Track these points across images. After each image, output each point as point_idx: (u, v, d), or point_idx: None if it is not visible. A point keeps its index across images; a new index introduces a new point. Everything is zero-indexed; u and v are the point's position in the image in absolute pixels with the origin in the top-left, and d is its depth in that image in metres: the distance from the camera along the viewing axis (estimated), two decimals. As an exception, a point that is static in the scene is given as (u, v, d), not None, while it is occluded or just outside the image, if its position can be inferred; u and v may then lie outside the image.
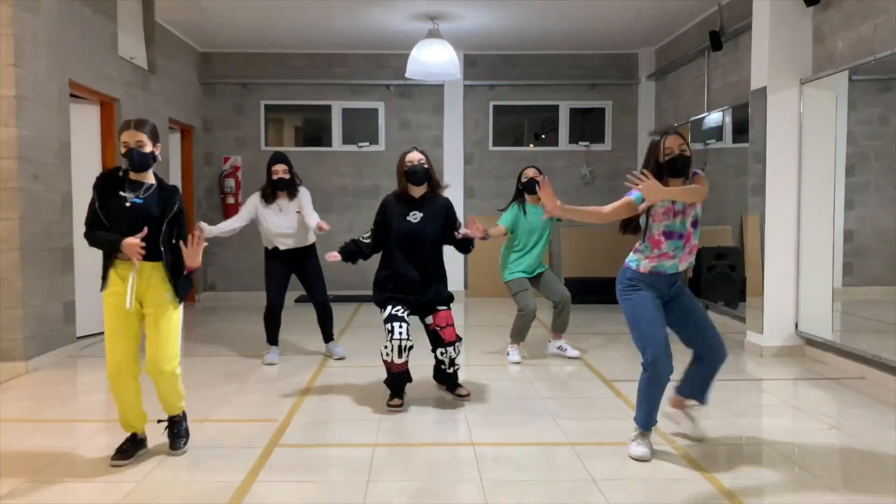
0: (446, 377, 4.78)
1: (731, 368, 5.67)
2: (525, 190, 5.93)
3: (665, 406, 3.94)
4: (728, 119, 8.09)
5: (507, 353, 6.00)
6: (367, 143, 10.24)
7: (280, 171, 5.83)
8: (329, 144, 10.18)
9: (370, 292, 9.81)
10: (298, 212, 5.83)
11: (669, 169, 3.60)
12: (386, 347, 4.42)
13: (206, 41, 9.62)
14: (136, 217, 3.52)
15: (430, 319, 4.63)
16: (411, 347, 4.45)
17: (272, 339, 6.04)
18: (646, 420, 3.70)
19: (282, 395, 4.90)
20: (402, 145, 10.12)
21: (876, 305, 6.79)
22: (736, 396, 4.94)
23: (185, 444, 3.78)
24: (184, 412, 3.83)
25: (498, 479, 3.38)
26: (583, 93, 10.29)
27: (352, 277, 10.12)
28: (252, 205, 5.94)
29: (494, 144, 10.39)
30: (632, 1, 7.78)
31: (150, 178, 3.64)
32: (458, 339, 4.62)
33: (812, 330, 6.07)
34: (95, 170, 7.06)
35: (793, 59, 6.07)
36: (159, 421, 3.81)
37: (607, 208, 3.71)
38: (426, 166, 4.68)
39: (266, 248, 6.04)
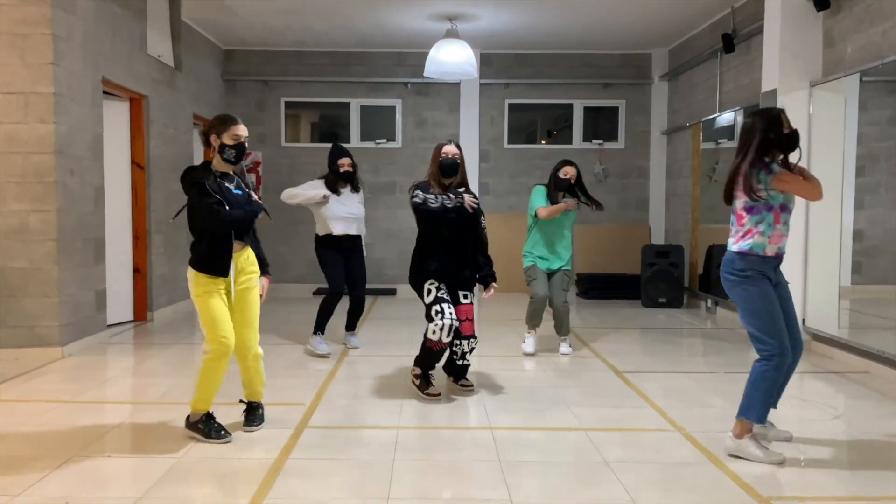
0: (455, 369, 4.93)
1: (737, 361, 5.88)
2: (557, 186, 6.04)
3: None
4: (740, 118, 8.24)
5: (524, 341, 6.15)
6: (385, 140, 10.46)
7: (346, 164, 6.11)
8: (347, 141, 10.39)
9: (385, 286, 10.20)
10: (360, 203, 6.20)
11: (788, 144, 3.64)
12: (436, 327, 4.53)
13: (229, 39, 9.86)
14: (243, 207, 3.83)
15: (442, 289, 4.76)
16: (457, 328, 4.63)
17: (323, 327, 6.08)
18: (762, 413, 3.65)
19: (307, 381, 5.13)
20: (419, 142, 10.38)
21: (884, 304, 6.93)
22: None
23: (259, 425, 4.04)
24: None
25: (516, 461, 3.59)
26: (596, 92, 10.47)
27: (369, 271, 10.32)
28: (318, 183, 6.07)
29: (510, 142, 10.58)
30: (645, 2, 7.94)
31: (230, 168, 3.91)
32: (475, 336, 4.77)
33: (818, 325, 6.24)
34: (125, 163, 7.34)
35: (803, 62, 6.24)
36: (241, 401, 4.14)
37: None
38: (459, 161, 4.86)
39: (318, 236, 6.13)
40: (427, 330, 4.61)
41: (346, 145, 10.21)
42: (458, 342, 4.74)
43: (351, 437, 3.96)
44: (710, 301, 8.58)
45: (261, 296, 4.00)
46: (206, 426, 3.82)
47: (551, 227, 6.05)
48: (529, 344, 6.12)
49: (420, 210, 4.71)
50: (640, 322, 8.06)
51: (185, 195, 3.77)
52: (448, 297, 4.65)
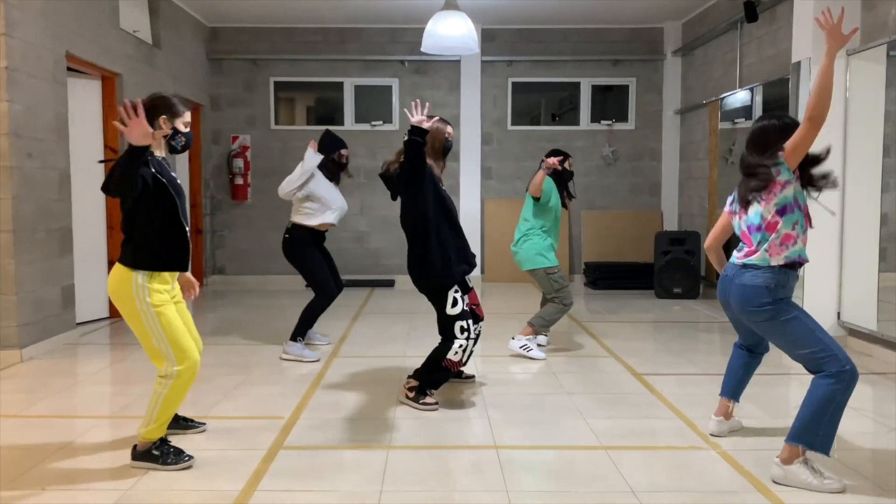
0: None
1: (765, 360, 5.30)
2: (562, 175, 5.49)
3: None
4: (758, 98, 7.65)
5: (527, 349, 5.38)
6: (381, 122, 9.86)
7: (346, 155, 5.75)
8: (341, 123, 9.79)
9: (383, 276, 9.64)
10: None
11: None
12: (459, 348, 4.03)
13: (214, 16, 9.25)
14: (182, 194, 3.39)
15: (465, 299, 4.23)
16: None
17: (305, 334, 5.43)
18: (829, 442, 3.03)
19: (290, 389, 4.57)
20: (417, 124, 9.75)
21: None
22: (777, 393, 4.57)
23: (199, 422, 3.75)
24: None
25: (527, 491, 3.04)
26: (605, 69, 9.84)
27: (365, 262, 9.81)
28: (312, 171, 5.42)
29: (514, 124, 9.97)
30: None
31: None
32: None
33: (855, 320, 5.67)
34: (97, 147, 6.76)
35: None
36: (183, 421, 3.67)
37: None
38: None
39: (303, 228, 5.39)
40: (448, 348, 4.04)
41: (340, 128, 9.72)
42: (475, 327, 4.23)
43: (333, 461, 3.40)
44: (729, 291, 7.99)
45: (187, 291, 3.59)
46: (161, 451, 3.25)
47: (555, 212, 5.49)
48: (538, 352, 5.39)
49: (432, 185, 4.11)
50: (655, 315, 7.50)
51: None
52: (469, 309, 4.19)
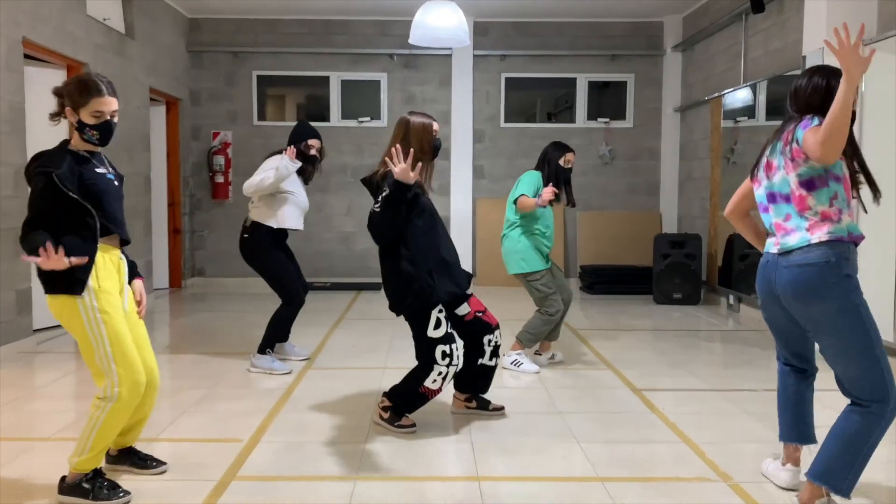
0: (479, 379, 3.91)
1: (773, 376, 4.90)
2: (560, 177, 4.96)
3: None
4: (762, 95, 7.26)
5: (516, 364, 4.95)
6: (369, 119, 9.45)
7: (316, 146, 5.07)
8: (327, 119, 9.37)
9: (370, 280, 9.21)
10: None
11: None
12: (438, 375, 3.57)
13: (194, 6, 8.83)
14: (119, 196, 2.97)
15: (465, 308, 3.79)
16: (481, 319, 3.82)
17: (273, 345, 4.99)
18: (854, 485, 2.60)
19: (254, 406, 4.15)
20: (406, 120, 9.34)
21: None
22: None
23: (161, 462, 3.14)
24: None
25: (510, 533, 2.63)
26: (603, 64, 9.44)
27: (351, 264, 9.40)
28: (279, 160, 4.85)
29: (507, 121, 9.56)
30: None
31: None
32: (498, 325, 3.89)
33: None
34: (58, 141, 6.32)
35: (854, 16, 5.22)
36: (120, 451, 3.13)
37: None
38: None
39: (264, 229, 4.90)
40: (426, 375, 3.59)
41: (326, 124, 9.30)
42: (490, 336, 3.79)
43: (292, 494, 2.98)
44: (731, 297, 7.60)
45: (139, 303, 3.05)
46: (92, 485, 2.82)
47: (550, 219, 5.02)
48: (530, 363, 4.96)
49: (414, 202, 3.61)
50: (654, 322, 7.09)
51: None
52: (453, 331, 3.66)
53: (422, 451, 3.47)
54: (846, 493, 2.58)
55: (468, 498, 2.92)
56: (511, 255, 4.94)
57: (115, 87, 2.91)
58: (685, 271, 8.04)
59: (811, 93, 2.68)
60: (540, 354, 5.18)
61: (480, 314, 3.82)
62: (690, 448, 3.51)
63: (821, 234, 2.59)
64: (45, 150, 2.87)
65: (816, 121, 2.58)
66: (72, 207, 2.73)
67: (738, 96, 7.63)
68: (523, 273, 4.89)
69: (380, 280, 9.32)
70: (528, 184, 4.89)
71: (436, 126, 3.77)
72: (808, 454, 2.95)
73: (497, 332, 3.84)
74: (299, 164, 4.90)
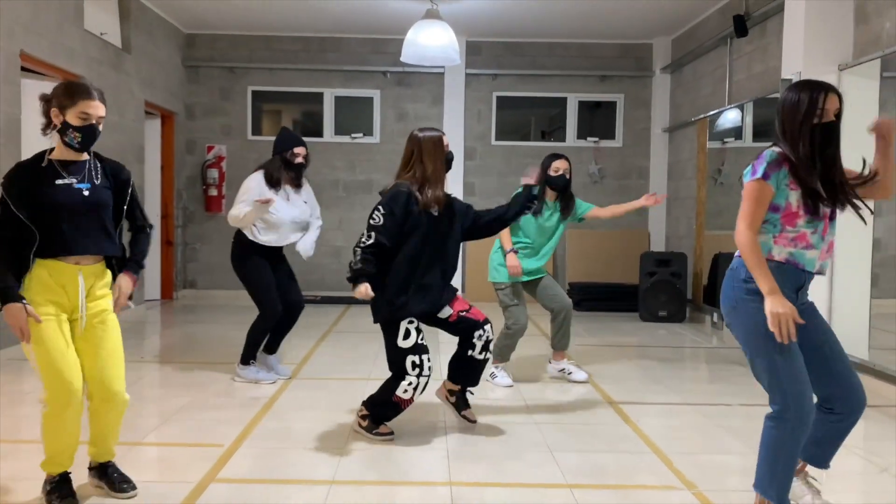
0: (469, 371, 3.91)
1: (752, 390, 4.98)
2: (550, 183, 5.00)
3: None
4: (749, 117, 7.42)
5: (492, 377, 5.01)
6: (361, 135, 9.58)
7: (302, 154, 4.96)
8: (320, 135, 9.50)
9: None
10: (306, 203, 5.06)
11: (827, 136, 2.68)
12: (409, 385, 3.66)
13: (191, 22, 8.98)
14: (88, 208, 2.84)
15: (447, 311, 3.85)
16: (465, 317, 3.82)
17: (255, 354, 5.04)
18: (780, 490, 2.64)
19: (236, 414, 4.22)
20: (399, 137, 9.48)
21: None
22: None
23: (133, 486, 3.02)
24: None
25: (476, 536, 2.71)
26: (593, 85, 9.60)
27: (342, 277, 9.46)
28: (257, 187, 4.83)
29: (498, 139, 9.70)
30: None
31: (84, 154, 2.91)
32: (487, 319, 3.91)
33: (846, 349, 5.35)
34: (54, 153, 6.44)
35: (831, 43, 5.38)
36: (90, 468, 3.07)
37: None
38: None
39: (245, 242, 4.91)
40: (398, 385, 3.68)
41: (319, 139, 9.43)
42: (480, 332, 3.80)
43: (268, 497, 3.07)
44: (715, 315, 7.71)
45: (116, 302, 2.95)
46: (48, 491, 2.87)
47: (544, 238, 5.08)
48: (504, 377, 5.04)
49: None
50: (639, 339, 7.19)
51: None
52: (425, 343, 3.74)
53: (397, 458, 3.56)
54: (776, 500, 2.65)
55: (439, 502, 3.00)
56: (489, 265, 5.11)
57: (107, 98, 2.96)
58: (671, 289, 8.14)
59: (779, 111, 2.76)
60: (550, 363, 5.27)
61: (464, 313, 3.85)
62: (660, 458, 3.59)
63: (780, 251, 2.70)
64: (21, 161, 2.91)
65: (760, 172, 2.64)
66: (21, 224, 2.75)
67: (729, 117, 7.77)
68: (491, 281, 5.06)
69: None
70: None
71: (446, 139, 3.85)
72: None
73: (487, 327, 3.83)
74: (272, 200, 4.76)
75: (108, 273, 2.97)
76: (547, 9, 8.07)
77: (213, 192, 9.35)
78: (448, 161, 3.86)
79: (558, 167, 5.02)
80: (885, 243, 6.20)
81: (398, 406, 3.74)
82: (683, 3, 7.86)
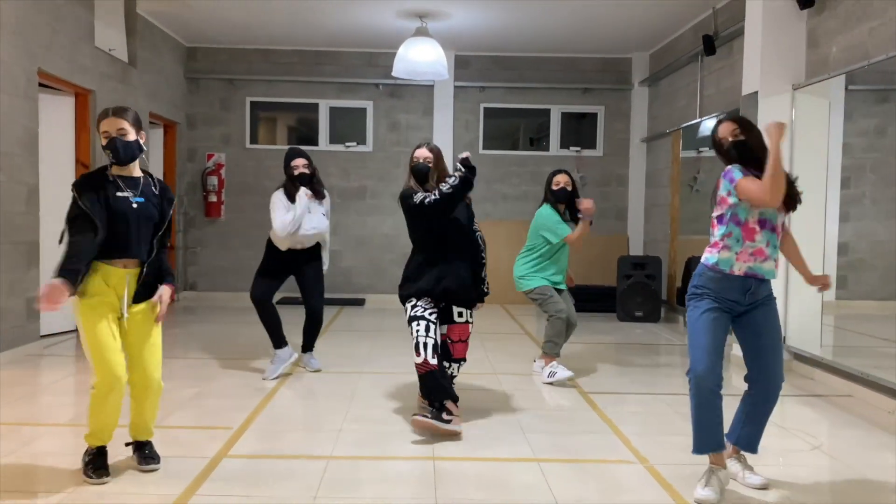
0: None
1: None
2: (557, 199, 5.49)
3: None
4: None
5: (551, 375, 5.32)
6: (355, 144, 10.04)
7: (300, 165, 5.37)
8: (315, 143, 9.97)
9: (353, 295, 9.77)
10: (324, 215, 5.48)
11: (726, 156, 3.30)
12: (415, 346, 4.06)
13: (192, 36, 9.43)
14: (138, 219, 3.27)
15: (444, 329, 4.29)
16: (435, 345, 4.05)
17: (276, 339, 5.40)
18: (698, 444, 3.26)
19: (242, 402, 4.67)
20: (391, 146, 9.98)
21: (869, 320, 6.60)
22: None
23: (158, 463, 3.46)
24: None
25: (455, 500, 3.17)
26: (575, 97, 10.10)
27: (336, 280, 9.92)
28: (280, 201, 5.30)
29: (485, 147, 10.19)
30: (626, 3, 7.59)
31: (137, 171, 3.36)
32: (465, 359, 4.38)
33: (800, 345, 5.86)
34: (68, 162, 6.88)
35: (786, 64, 5.88)
36: (127, 444, 3.50)
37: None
38: (430, 165, 4.36)
39: (268, 244, 5.44)
40: (414, 354, 4.12)
41: (314, 148, 9.89)
42: (447, 364, 4.26)
43: (275, 469, 3.52)
44: (688, 315, 8.18)
45: (156, 306, 3.35)
46: (86, 461, 3.33)
47: (561, 246, 5.54)
48: (563, 369, 5.31)
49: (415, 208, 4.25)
50: (615, 337, 7.66)
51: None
52: (431, 316, 4.15)
53: (388, 438, 4.02)
54: (694, 449, 3.28)
55: (423, 473, 3.46)
56: (515, 279, 5.64)
57: (125, 110, 3.30)
58: (646, 291, 8.63)
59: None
60: (535, 361, 5.71)
61: (451, 342, 4.29)
62: (620, 439, 4.07)
63: (706, 257, 3.34)
64: (88, 171, 3.39)
65: (738, 174, 3.20)
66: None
67: (708, 126, 8.23)
68: (523, 291, 5.58)
69: (363, 296, 9.86)
70: (554, 219, 5.47)
71: (416, 153, 4.40)
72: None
73: (455, 365, 4.32)
74: (306, 198, 5.30)
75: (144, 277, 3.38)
76: (532, 25, 8.55)
77: (213, 198, 9.79)
78: (416, 171, 4.35)
79: (558, 181, 5.55)
80: (854, 247, 6.69)
81: (425, 376, 4.04)
82: (660, 21, 8.35)
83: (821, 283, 3.47)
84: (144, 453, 3.46)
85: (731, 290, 3.25)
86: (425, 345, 4.02)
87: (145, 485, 3.25)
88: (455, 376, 4.36)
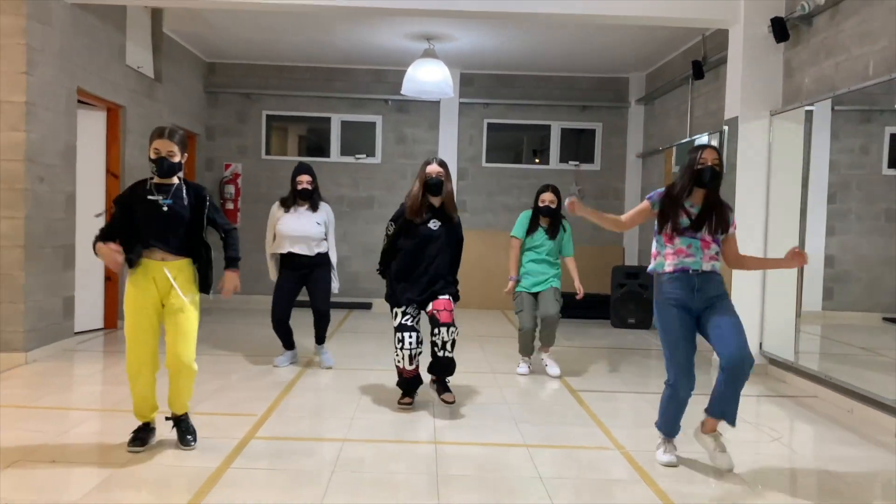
0: (436, 364, 4.82)
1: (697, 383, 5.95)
2: (540, 213, 6.18)
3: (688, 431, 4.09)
4: (715, 143, 8.39)
5: (519, 365, 6.22)
6: (364, 156, 10.57)
7: (304, 181, 6.03)
8: (327, 155, 10.50)
9: (361, 300, 10.28)
10: (319, 223, 6.03)
11: (697, 179, 3.84)
12: (397, 356, 4.73)
13: (211, 52, 9.98)
14: (168, 218, 3.80)
15: (429, 306, 4.79)
16: (420, 353, 4.74)
17: (286, 345, 6.19)
18: (667, 428, 3.98)
19: (263, 394, 5.19)
20: (398, 158, 10.51)
21: (853, 330, 7.03)
22: (693, 410, 5.20)
23: (195, 440, 3.95)
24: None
25: (452, 475, 3.67)
26: (574, 114, 10.62)
27: (344, 285, 10.40)
28: (273, 211, 6.16)
29: (488, 161, 10.71)
30: (623, 28, 8.10)
31: (174, 179, 3.89)
32: (454, 325, 4.73)
33: (775, 350, 6.34)
34: (100, 171, 7.41)
35: (764, 92, 6.39)
36: (167, 419, 4.00)
37: (625, 217, 4.09)
38: (442, 179, 4.86)
39: (279, 255, 6.08)
40: (393, 359, 4.82)
41: (326, 160, 10.43)
42: (436, 330, 4.70)
43: (296, 449, 4.04)
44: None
45: (220, 290, 4.00)
46: (133, 432, 3.90)
47: (540, 255, 6.17)
48: (524, 367, 6.18)
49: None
50: (608, 342, 8.15)
51: None
52: (412, 324, 4.73)
53: (397, 425, 4.54)
54: (664, 432, 4.00)
55: (428, 455, 3.97)
56: None
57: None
58: (639, 299, 9.12)
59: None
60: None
61: (437, 312, 4.77)
62: (601, 429, 4.57)
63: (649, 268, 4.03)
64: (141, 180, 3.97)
65: (653, 197, 4.05)
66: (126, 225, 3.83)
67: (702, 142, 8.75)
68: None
69: (370, 300, 10.33)
70: (519, 223, 6.30)
71: (430, 168, 4.89)
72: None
73: (444, 329, 4.65)
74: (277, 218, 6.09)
75: (192, 269, 3.92)
76: (534, 46, 9.07)
77: (230, 205, 10.34)
78: (428, 186, 4.84)
79: (544, 199, 6.19)
80: (839, 260, 7.15)
81: (401, 375, 4.84)
82: (654, 45, 8.87)
83: (798, 260, 3.81)
84: (182, 429, 3.97)
85: (678, 290, 3.80)
86: (407, 356, 4.70)
87: (187, 458, 3.78)
88: (448, 341, 4.71)
